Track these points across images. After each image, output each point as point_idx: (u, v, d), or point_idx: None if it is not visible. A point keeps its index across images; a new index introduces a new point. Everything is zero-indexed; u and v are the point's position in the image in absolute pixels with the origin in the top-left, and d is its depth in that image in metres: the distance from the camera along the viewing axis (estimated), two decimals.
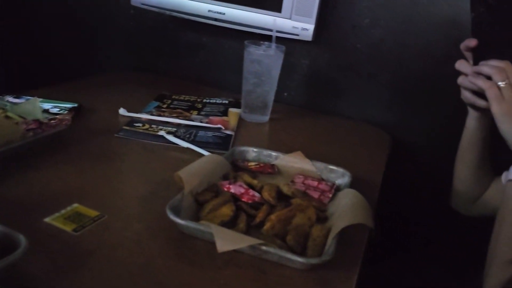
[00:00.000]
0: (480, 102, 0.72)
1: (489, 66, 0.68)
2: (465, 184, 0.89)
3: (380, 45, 1.19)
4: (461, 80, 0.75)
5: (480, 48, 0.72)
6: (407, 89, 1.20)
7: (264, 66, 1.07)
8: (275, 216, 0.65)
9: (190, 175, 0.69)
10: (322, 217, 0.70)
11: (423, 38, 1.14)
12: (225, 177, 0.78)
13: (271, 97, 1.13)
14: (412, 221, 1.25)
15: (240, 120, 1.13)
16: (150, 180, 0.78)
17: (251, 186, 0.75)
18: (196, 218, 0.65)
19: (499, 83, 0.66)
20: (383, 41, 1.19)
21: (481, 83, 0.68)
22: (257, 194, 0.73)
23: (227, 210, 0.66)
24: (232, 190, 0.72)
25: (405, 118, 1.23)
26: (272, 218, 0.64)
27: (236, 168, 0.84)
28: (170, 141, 0.94)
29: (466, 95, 0.75)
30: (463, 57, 0.75)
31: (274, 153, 0.89)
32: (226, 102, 1.24)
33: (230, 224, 0.65)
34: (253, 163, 0.86)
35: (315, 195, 0.78)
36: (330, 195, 0.78)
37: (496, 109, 0.65)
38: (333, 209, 0.73)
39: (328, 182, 0.82)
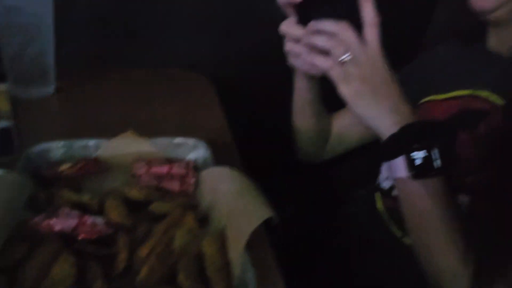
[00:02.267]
0: (317, 72, 0.57)
1: (324, 38, 0.53)
2: (309, 136, 0.80)
3: None
4: (290, 47, 0.59)
5: (304, 2, 0.56)
6: (221, 14, 1.03)
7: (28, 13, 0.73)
8: (149, 250, 0.42)
9: None
10: (199, 218, 0.51)
11: None
12: (34, 207, 0.49)
13: (50, 58, 0.80)
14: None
15: (13, 100, 0.77)
16: None
17: (82, 208, 0.49)
18: None
19: (341, 57, 0.52)
20: None
21: (321, 63, 0.54)
22: (99, 220, 0.47)
23: (62, 270, 0.40)
24: (57, 228, 0.45)
25: (224, 51, 1.06)
26: (147, 257, 0.42)
27: (44, 182, 0.54)
28: None
29: (298, 63, 0.60)
30: None
31: (91, 142, 0.62)
32: None
33: None
34: (66, 166, 0.57)
35: (175, 186, 0.57)
36: (193, 180, 0.58)
37: (344, 91, 0.52)
38: (208, 199, 0.54)
39: (181, 162, 0.61)
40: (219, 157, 0.62)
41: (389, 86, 0.53)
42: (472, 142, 0.60)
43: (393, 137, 0.51)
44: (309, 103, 0.74)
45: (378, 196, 0.74)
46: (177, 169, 0.60)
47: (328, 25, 0.52)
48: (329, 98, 0.65)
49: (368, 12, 0.51)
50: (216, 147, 0.65)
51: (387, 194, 0.72)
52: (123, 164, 0.61)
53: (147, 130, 0.65)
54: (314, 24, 0.54)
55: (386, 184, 0.73)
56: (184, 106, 0.86)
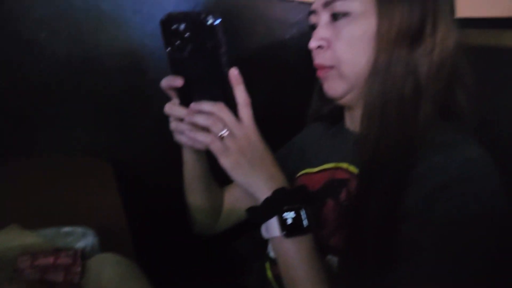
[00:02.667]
0: (200, 146, 0.64)
1: (203, 117, 0.61)
2: (202, 210, 0.85)
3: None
4: (175, 126, 0.66)
5: (184, 85, 0.63)
6: (116, 104, 1.08)
7: None
8: None
9: None
10: None
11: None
12: None
13: None
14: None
15: None
16: None
17: None
18: None
19: (220, 133, 0.60)
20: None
21: (202, 139, 0.61)
22: None
23: None
24: None
25: (121, 138, 1.10)
26: None
27: None
28: None
29: (183, 139, 0.67)
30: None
31: None
32: None
33: None
34: None
35: (59, 277, 0.58)
36: (79, 269, 0.59)
37: (224, 163, 0.59)
38: (92, 287, 0.55)
39: (68, 251, 0.62)
40: (111, 243, 0.65)
41: (264, 156, 0.61)
42: (336, 208, 0.68)
43: (267, 200, 0.58)
44: (198, 177, 0.79)
45: (267, 265, 0.79)
46: (63, 259, 0.61)
47: (206, 106, 0.60)
48: None
49: (240, 95, 0.60)
50: (109, 234, 0.67)
51: (274, 261, 0.78)
52: (7, 259, 0.60)
53: (40, 220, 0.66)
54: (194, 105, 0.62)
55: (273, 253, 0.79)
56: (80, 192, 0.88)
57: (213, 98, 0.61)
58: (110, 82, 1.04)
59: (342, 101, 0.71)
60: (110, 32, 1.01)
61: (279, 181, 0.61)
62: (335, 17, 0.65)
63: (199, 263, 1.03)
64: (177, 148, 0.74)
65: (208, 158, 0.77)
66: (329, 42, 0.66)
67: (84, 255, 0.62)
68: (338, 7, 0.63)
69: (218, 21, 0.56)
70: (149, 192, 1.12)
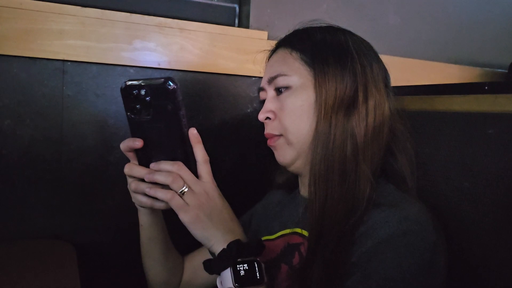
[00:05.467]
0: (160, 205, 0.67)
1: (163, 175, 0.62)
2: (159, 278, 0.85)
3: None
4: (134, 186, 0.67)
5: (144, 146, 0.65)
6: (81, 185, 1.08)
7: None
8: None
9: None
10: None
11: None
12: None
13: None
14: None
15: None
16: None
17: None
18: None
19: (180, 190, 0.62)
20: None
21: (163, 196, 0.63)
22: None
23: None
24: None
25: (84, 220, 1.09)
26: None
27: None
28: None
29: (142, 200, 0.68)
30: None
31: None
32: None
33: None
34: None
35: None
36: None
37: (184, 218, 0.61)
38: None
39: None
40: None
41: (222, 211, 0.63)
42: (288, 272, 0.70)
43: (222, 252, 0.60)
44: (155, 239, 0.79)
45: None
46: None
47: (166, 165, 0.63)
48: None
49: (199, 153, 0.63)
50: None
51: None
52: None
53: None
54: (154, 165, 0.65)
55: None
56: (38, 273, 0.86)
57: (172, 157, 0.64)
58: (73, 164, 1.05)
59: (292, 168, 0.75)
60: (75, 115, 1.05)
61: (235, 234, 0.63)
62: (279, 91, 0.72)
63: None
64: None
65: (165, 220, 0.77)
66: (275, 114, 0.72)
67: None
68: (280, 82, 0.71)
69: (177, 85, 0.61)
70: (111, 275, 1.09)
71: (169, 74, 1.12)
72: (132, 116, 0.64)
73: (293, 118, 0.70)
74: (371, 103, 0.67)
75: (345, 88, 0.66)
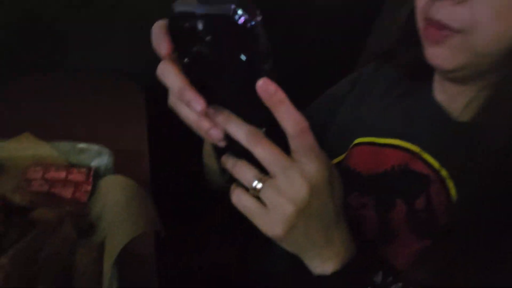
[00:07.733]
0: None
1: (237, 167, 0.38)
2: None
3: None
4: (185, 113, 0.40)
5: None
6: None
7: None
8: (7, 259, 0.40)
9: None
10: (84, 227, 0.49)
11: None
12: None
13: None
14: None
15: None
16: None
17: None
18: None
19: (251, 186, 0.37)
20: None
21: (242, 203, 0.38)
22: None
23: None
24: None
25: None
26: (2, 263, 0.39)
27: None
28: None
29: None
30: None
31: None
32: None
33: None
34: None
35: (67, 193, 0.54)
36: (89, 188, 0.56)
37: (266, 230, 0.37)
38: (99, 207, 0.52)
39: (81, 168, 0.59)
40: (127, 167, 0.61)
41: (329, 212, 0.39)
42: (409, 216, 0.49)
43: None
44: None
45: None
46: (75, 176, 0.57)
47: (243, 132, 0.37)
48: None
49: (286, 121, 0.34)
50: (127, 157, 0.63)
51: None
52: (17, 167, 0.58)
53: (57, 134, 0.63)
54: (224, 119, 0.37)
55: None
56: (105, 112, 0.84)
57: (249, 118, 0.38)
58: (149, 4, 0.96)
59: (450, 75, 0.48)
60: None
61: (343, 247, 0.41)
62: None
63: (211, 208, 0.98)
64: None
65: None
66: None
67: (97, 174, 0.59)
68: None
69: (256, 21, 0.31)
70: (176, 125, 1.07)
71: None
72: (187, 60, 0.38)
73: (497, 14, 0.41)
74: None
75: None
